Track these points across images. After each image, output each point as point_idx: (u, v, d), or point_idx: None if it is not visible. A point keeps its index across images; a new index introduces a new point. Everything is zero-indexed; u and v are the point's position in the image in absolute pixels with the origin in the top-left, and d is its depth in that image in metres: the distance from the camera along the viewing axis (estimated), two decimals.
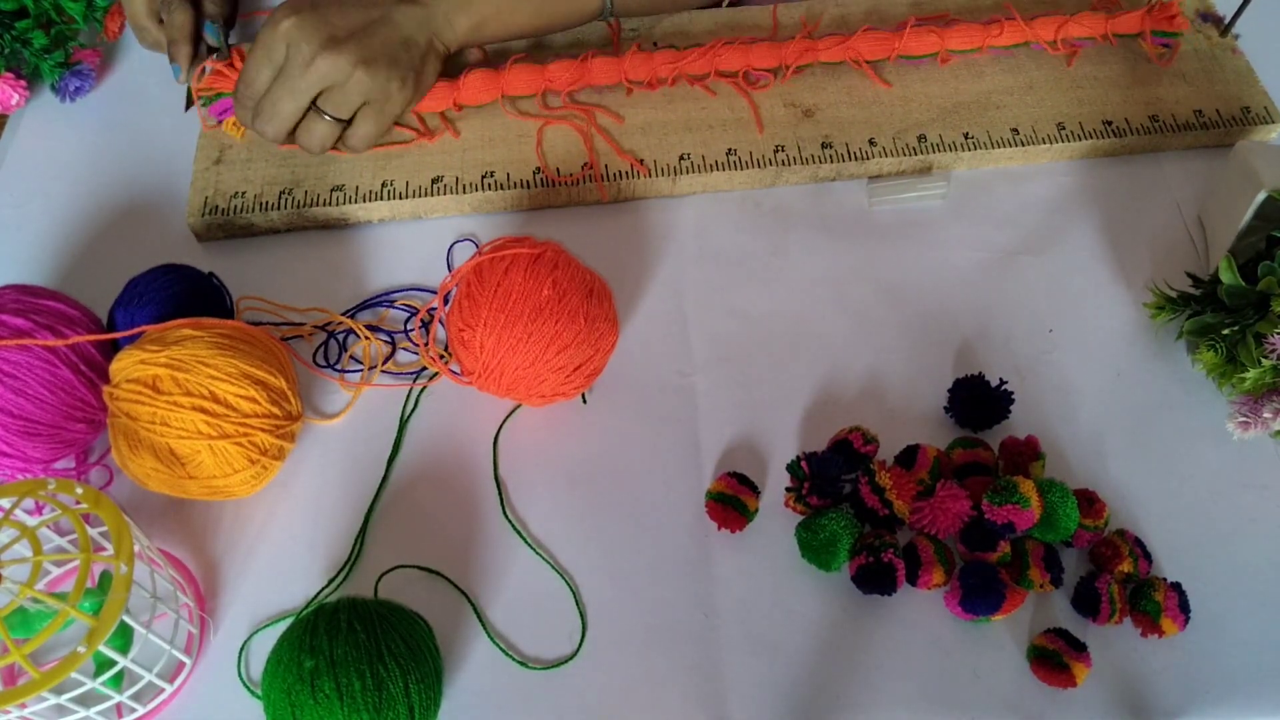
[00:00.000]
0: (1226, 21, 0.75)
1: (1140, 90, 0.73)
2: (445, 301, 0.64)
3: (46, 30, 0.74)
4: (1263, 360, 0.55)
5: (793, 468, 0.57)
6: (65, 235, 0.69)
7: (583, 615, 0.55)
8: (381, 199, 0.68)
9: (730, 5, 0.79)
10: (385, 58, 0.63)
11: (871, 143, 0.70)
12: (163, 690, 0.52)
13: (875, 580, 0.53)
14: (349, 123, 0.66)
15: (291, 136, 0.65)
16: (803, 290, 0.66)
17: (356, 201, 0.68)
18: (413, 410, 0.61)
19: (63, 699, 0.46)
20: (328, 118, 0.64)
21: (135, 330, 0.56)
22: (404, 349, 0.64)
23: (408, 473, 0.59)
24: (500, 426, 0.61)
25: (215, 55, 0.70)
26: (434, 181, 0.69)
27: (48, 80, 0.75)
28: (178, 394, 0.51)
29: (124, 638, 0.51)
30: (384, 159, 0.70)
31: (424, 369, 0.63)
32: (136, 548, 0.47)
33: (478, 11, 0.67)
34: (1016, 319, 0.64)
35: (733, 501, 0.56)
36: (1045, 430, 0.59)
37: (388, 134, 0.69)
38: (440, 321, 0.65)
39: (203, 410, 0.51)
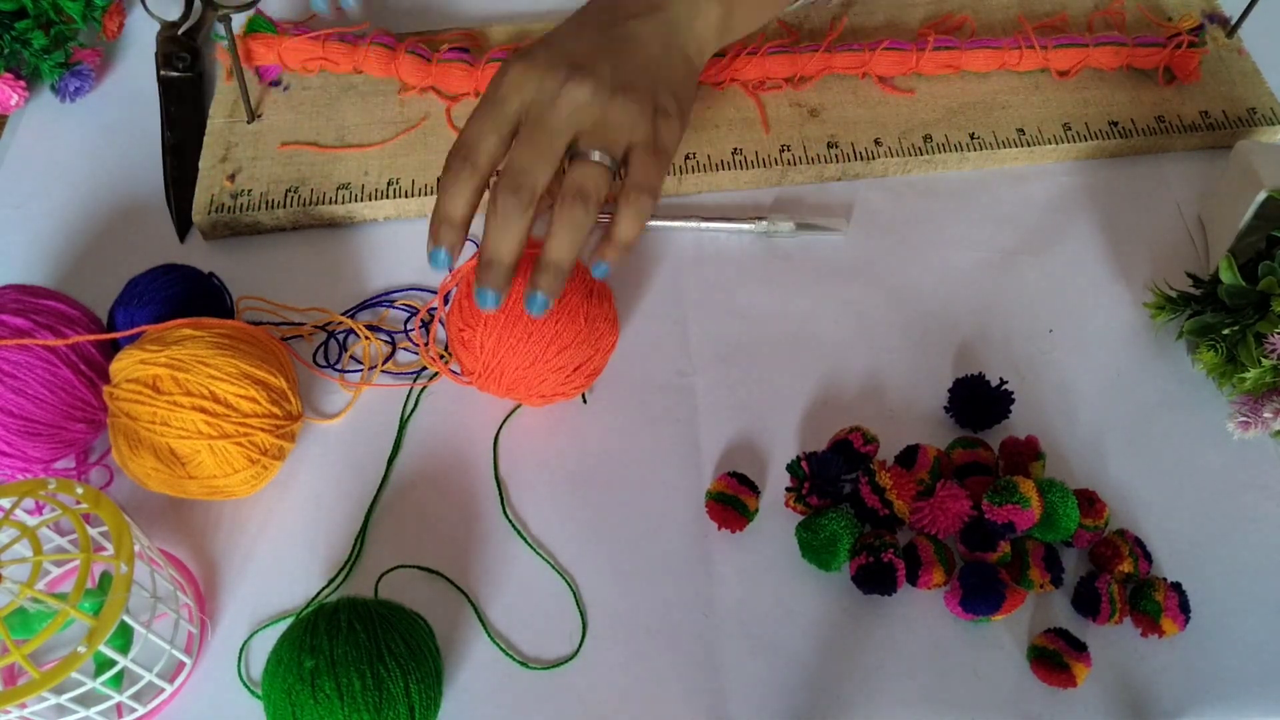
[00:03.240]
0: (1233, 22, 0.75)
1: (1146, 91, 0.73)
2: (445, 301, 0.64)
3: (46, 30, 0.74)
4: (1263, 360, 0.55)
5: (793, 468, 0.57)
6: (65, 235, 0.69)
7: (583, 615, 0.55)
8: (387, 197, 0.68)
9: None
10: (645, 81, 0.52)
11: (877, 143, 0.70)
12: (163, 690, 0.52)
13: (875, 580, 0.53)
14: (618, 176, 0.53)
15: (539, 215, 0.52)
16: (803, 290, 0.66)
17: (362, 200, 0.68)
18: (413, 410, 0.61)
19: (63, 699, 0.46)
20: (595, 157, 0.51)
21: (135, 330, 0.56)
22: (404, 349, 0.64)
23: (408, 473, 0.59)
24: (500, 426, 0.61)
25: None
26: (440, 180, 0.68)
27: (47, 80, 0.75)
28: (178, 394, 0.51)
29: (124, 638, 0.51)
30: (390, 157, 0.70)
31: (424, 369, 0.63)
32: (136, 548, 0.47)
33: (718, 6, 0.57)
34: (1016, 319, 0.64)
35: (733, 501, 0.56)
36: (1045, 430, 0.59)
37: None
38: (440, 321, 0.65)
39: (203, 410, 0.51)
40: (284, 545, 0.57)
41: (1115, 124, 0.71)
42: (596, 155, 0.51)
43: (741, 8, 0.59)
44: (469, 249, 0.68)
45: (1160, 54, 0.72)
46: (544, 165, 0.50)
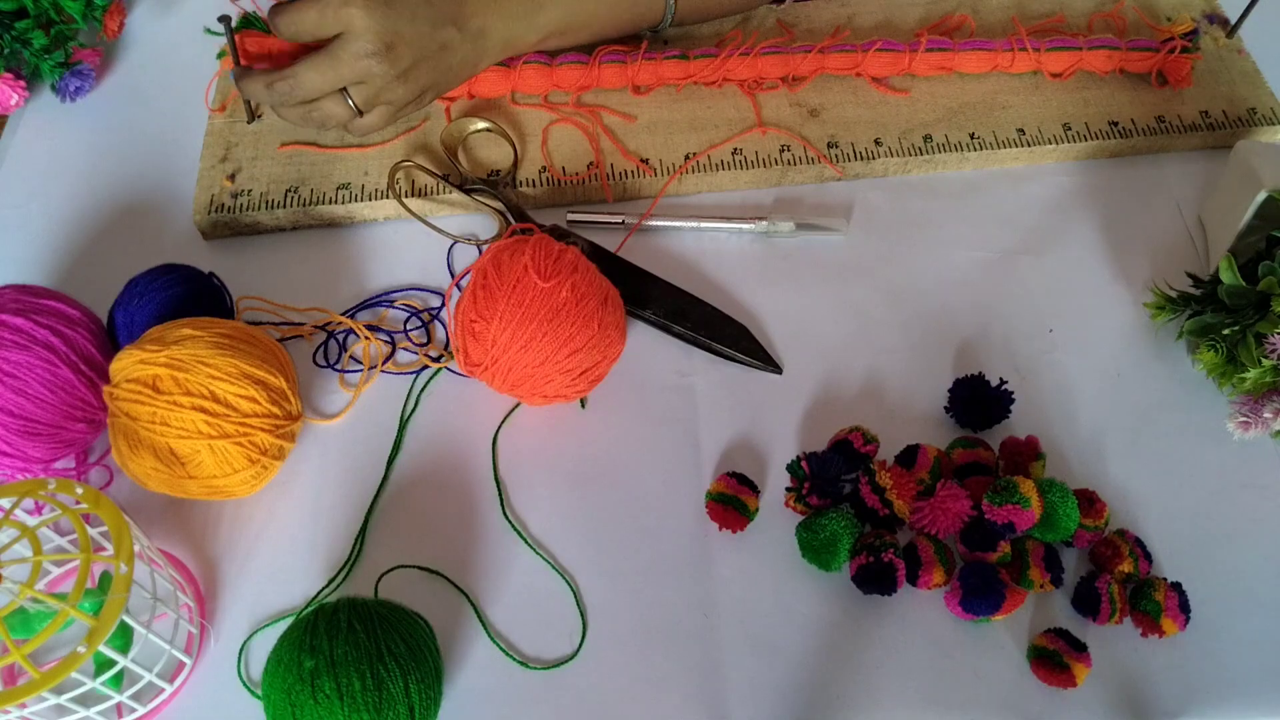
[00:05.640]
0: (1233, 23, 0.75)
1: (1146, 91, 0.73)
2: (447, 302, 0.65)
3: (46, 30, 0.74)
4: (1263, 360, 0.55)
5: (793, 468, 0.57)
6: (65, 235, 0.69)
7: (583, 615, 0.55)
8: (387, 197, 0.68)
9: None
10: (429, 80, 0.63)
11: (877, 143, 0.70)
12: (163, 690, 0.52)
13: (875, 580, 0.53)
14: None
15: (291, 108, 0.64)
16: (803, 290, 0.66)
17: (362, 200, 0.68)
18: (413, 410, 0.61)
19: (63, 699, 0.46)
20: (351, 103, 0.62)
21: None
22: (404, 349, 0.64)
23: (408, 473, 0.59)
24: (499, 427, 0.61)
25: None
26: (440, 180, 0.69)
27: (48, 80, 0.75)
28: (178, 394, 0.51)
29: (124, 638, 0.51)
30: (390, 157, 0.70)
31: (425, 367, 0.63)
32: (136, 548, 0.47)
33: (525, 42, 0.67)
34: (1016, 319, 0.64)
35: (733, 501, 0.56)
36: (1045, 430, 0.59)
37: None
38: (439, 320, 0.65)
39: (203, 410, 0.51)
40: (284, 545, 0.57)
41: (1115, 124, 0.71)
42: (352, 102, 0.63)
43: (550, 40, 0.69)
44: (474, 253, 0.68)
45: (1153, 59, 0.72)
46: (318, 88, 0.61)
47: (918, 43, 0.72)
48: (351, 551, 0.57)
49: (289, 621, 0.51)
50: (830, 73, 0.73)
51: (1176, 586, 0.53)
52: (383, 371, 0.63)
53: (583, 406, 0.62)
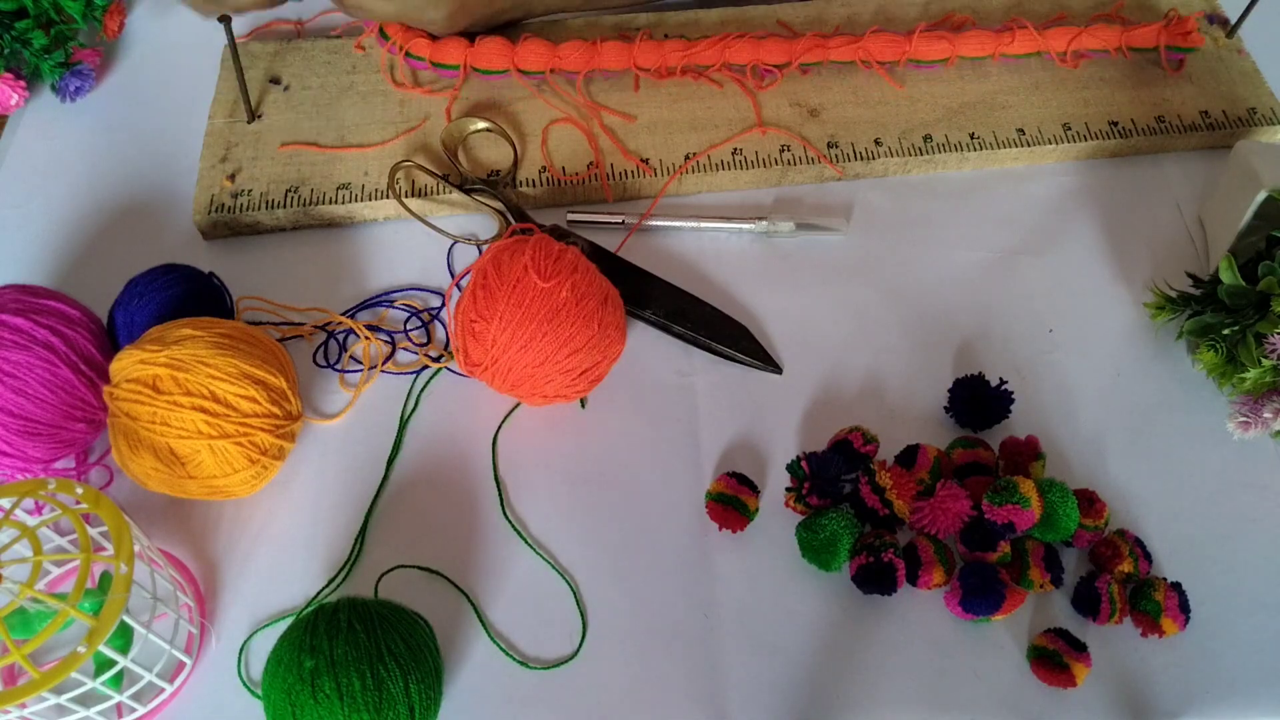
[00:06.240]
0: (1233, 23, 0.75)
1: (1146, 91, 0.73)
2: (447, 302, 0.64)
3: (46, 30, 0.74)
4: (1263, 360, 0.55)
5: (793, 468, 0.57)
6: (65, 235, 0.69)
7: (583, 615, 0.55)
8: (387, 197, 0.68)
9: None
10: None
11: (877, 143, 0.70)
12: (163, 690, 0.52)
13: (875, 580, 0.53)
14: None
15: None
16: (803, 290, 0.66)
17: (362, 200, 0.68)
18: (413, 410, 0.62)
19: (63, 699, 0.46)
20: None
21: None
22: (404, 349, 0.64)
23: (408, 473, 0.59)
24: (499, 427, 0.61)
25: None
26: (440, 180, 0.69)
27: (48, 80, 0.75)
28: (178, 394, 0.51)
29: (124, 638, 0.51)
30: (390, 157, 0.70)
31: (425, 367, 0.63)
32: (136, 548, 0.47)
33: None
34: (1016, 319, 0.65)
35: (733, 501, 0.56)
36: (1045, 430, 0.59)
37: None
38: (439, 320, 0.65)
39: (203, 410, 0.51)
40: (284, 545, 0.57)
41: (1115, 124, 0.71)
42: None
43: None
44: (474, 253, 0.68)
45: (1154, 29, 0.73)
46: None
47: (916, 30, 0.72)
48: (351, 551, 0.57)
49: (289, 621, 0.51)
50: (833, 57, 0.73)
51: (1176, 586, 0.53)
52: (383, 371, 0.63)
53: (583, 406, 0.62)
